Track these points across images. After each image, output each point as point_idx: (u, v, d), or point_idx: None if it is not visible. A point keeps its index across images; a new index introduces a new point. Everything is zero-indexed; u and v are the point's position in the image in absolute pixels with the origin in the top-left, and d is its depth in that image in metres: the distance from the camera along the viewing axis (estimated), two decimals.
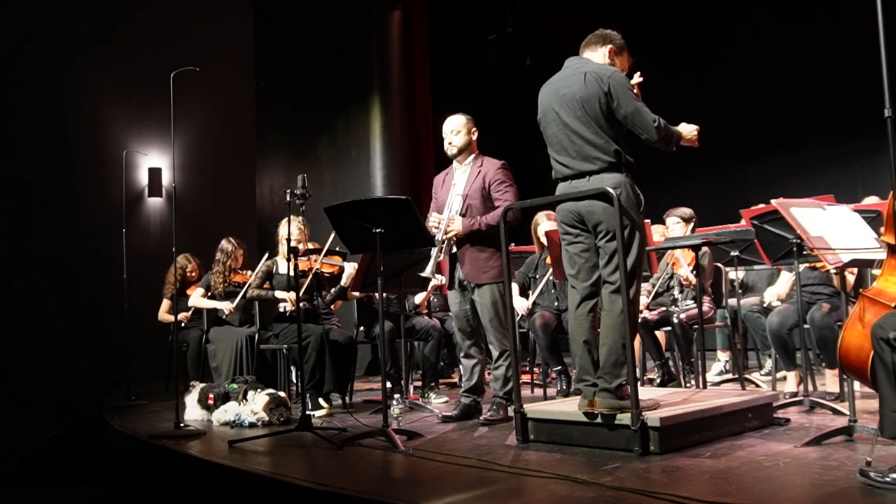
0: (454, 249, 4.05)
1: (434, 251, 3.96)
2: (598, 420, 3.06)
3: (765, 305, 4.96)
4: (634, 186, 3.17)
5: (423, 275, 4.02)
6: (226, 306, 5.44)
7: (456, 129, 4.10)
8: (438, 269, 4.22)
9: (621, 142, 3.16)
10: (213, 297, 5.67)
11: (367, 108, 8.19)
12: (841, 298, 3.46)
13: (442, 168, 4.33)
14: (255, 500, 2.94)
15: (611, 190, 2.99)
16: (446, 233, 3.98)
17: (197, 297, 5.69)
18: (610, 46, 3.32)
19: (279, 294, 4.99)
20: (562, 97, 3.22)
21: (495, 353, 4.01)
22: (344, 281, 5.08)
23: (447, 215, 4.02)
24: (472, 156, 4.12)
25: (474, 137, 4.13)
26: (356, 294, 5.29)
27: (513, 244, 6.25)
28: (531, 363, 5.57)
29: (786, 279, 4.82)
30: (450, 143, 4.11)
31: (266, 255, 5.30)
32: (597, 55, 3.32)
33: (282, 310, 5.02)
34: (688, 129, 3.25)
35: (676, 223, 5.16)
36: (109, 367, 6.46)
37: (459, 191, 4.06)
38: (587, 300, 3.22)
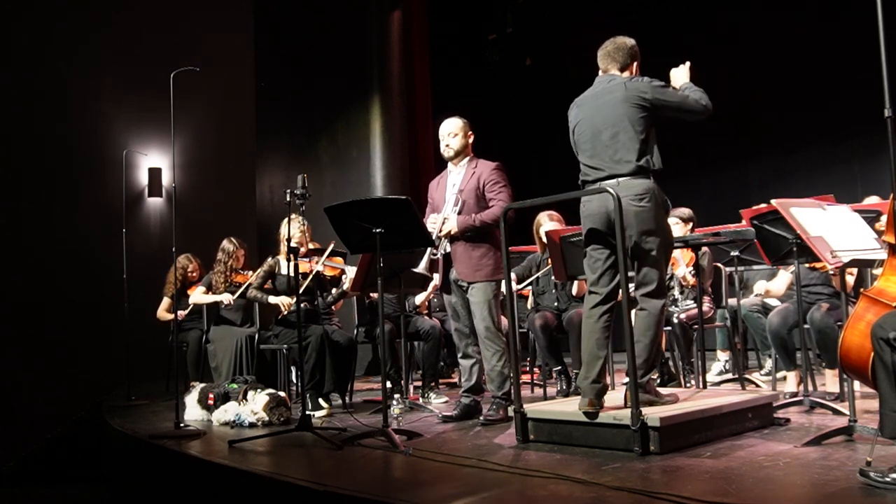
0: (448, 249, 4.05)
1: (428, 248, 3.97)
2: (598, 420, 3.06)
3: (755, 294, 4.95)
4: (661, 192, 3.24)
5: (415, 271, 4.02)
6: (226, 298, 5.44)
7: (453, 132, 4.12)
8: (436, 267, 4.22)
9: (653, 149, 3.24)
10: None
11: (367, 108, 8.18)
12: (841, 298, 3.46)
13: (442, 168, 4.35)
14: (255, 500, 2.94)
15: (611, 190, 3.03)
16: (440, 231, 3.99)
17: (198, 295, 5.69)
18: (636, 63, 3.42)
19: (272, 299, 4.96)
20: (601, 105, 3.31)
21: (487, 354, 3.99)
22: (346, 285, 5.08)
23: (443, 214, 4.03)
24: (467, 158, 4.15)
25: (470, 140, 4.17)
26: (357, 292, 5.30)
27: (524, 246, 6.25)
28: (531, 363, 5.57)
29: (784, 277, 4.82)
30: (447, 146, 4.14)
31: (270, 257, 5.29)
32: (624, 75, 3.38)
33: (279, 316, 5.02)
34: (682, 75, 3.41)
35: (675, 223, 5.15)
36: (109, 367, 6.45)
37: (455, 191, 4.08)
38: (604, 303, 3.28)
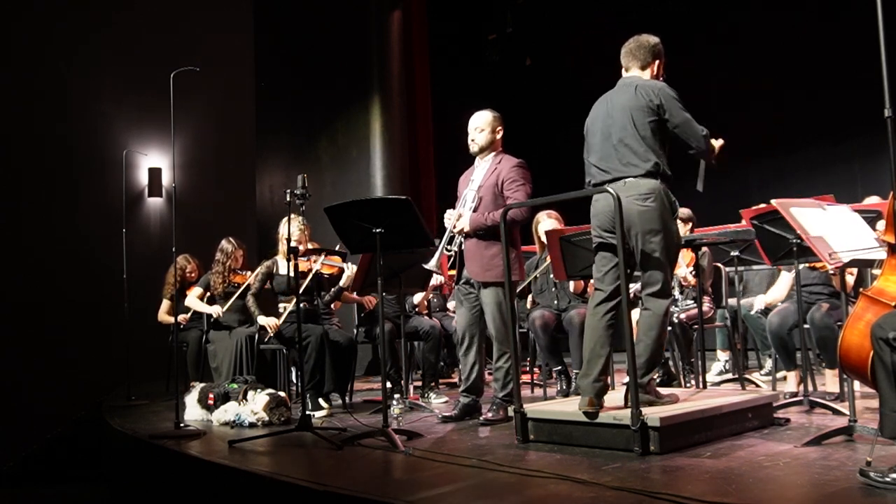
0: (463, 246, 4.04)
1: (441, 244, 3.97)
2: (598, 420, 3.06)
3: (752, 312, 4.94)
4: (669, 194, 3.24)
5: (426, 267, 4.00)
6: (215, 311, 5.43)
7: (480, 127, 4.08)
8: (439, 267, 4.21)
9: (661, 153, 3.24)
10: (211, 298, 5.66)
11: (367, 108, 8.19)
12: (841, 298, 3.46)
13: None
14: (255, 500, 2.94)
15: (611, 190, 3.04)
16: (454, 227, 3.98)
17: (193, 298, 5.69)
18: (659, 62, 3.40)
19: (261, 320, 4.87)
20: (611, 108, 3.32)
21: (496, 354, 4.00)
22: (343, 282, 5.08)
23: (459, 210, 4.03)
24: (493, 153, 4.10)
25: (498, 136, 4.11)
26: (353, 297, 5.28)
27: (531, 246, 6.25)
28: (531, 363, 5.57)
29: (784, 282, 4.82)
30: (472, 140, 4.10)
31: (268, 258, 5.29)
32: (645, 73, 3.38)
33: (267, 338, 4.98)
34: (715, 144, 3.38)
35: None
36: (109, 367, 6.45)
37: (474, 186, 4.05)
38: (607, 301, 3.28)
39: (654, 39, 3.40)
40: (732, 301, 5.15)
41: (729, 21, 8.67)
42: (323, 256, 5.02)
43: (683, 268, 4.84)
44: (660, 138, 3.24)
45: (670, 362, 5.01)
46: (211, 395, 4.43)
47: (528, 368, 5.66)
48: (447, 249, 4.04)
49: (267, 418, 4.11)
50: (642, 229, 3.16)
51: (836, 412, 3.55)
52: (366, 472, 2.96)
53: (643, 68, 3.38)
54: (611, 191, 3.03)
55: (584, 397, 3.15)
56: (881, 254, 2.72)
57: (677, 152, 3.31)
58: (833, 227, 2.97)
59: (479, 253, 3.97)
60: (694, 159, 3.37)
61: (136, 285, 6.09)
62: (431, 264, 3.98)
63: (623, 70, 3.44)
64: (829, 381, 4.31)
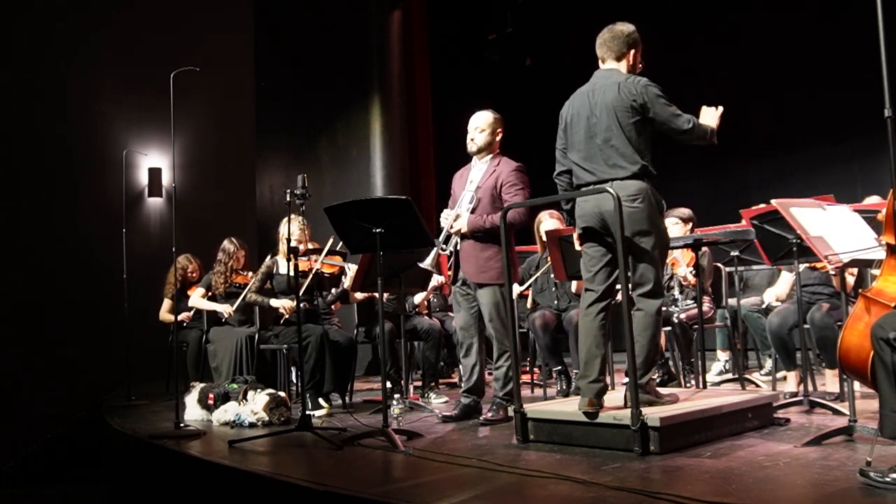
0: (459, 247, 4.04)
1: (437, 243, 3.96)
2: (598, 420, 3.06)
3: (763, 306, 4.96)
4: (655, 193, 3.22)
5: (422, 265, 4.00)
6: (225, 309, 5.44)
7: (480, 127, 4.07)
8: (438, 267, 4.21)
9: (646, 152, 3.22)
10: (213, 298, 5.67)
11: (367, 108, 8.19)
12: (841, 298, 3.46)
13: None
14: (255, 500, 2.94)
15: (611, 190, 3.03)
16: (451, 228, 3.98)
17: (197, 298, 5.69)
18: (634, 51, 3.35)
19: (274, 302, 4.95)
20: (593, 105, 3.26)
21: (496, 354, 4.00)
22: (347, 283, 5.08)
23: (456, 211, 4.02)
24: (491, 155, 4.09)
25: (498, 138, 4.10)
26: (358, 296, 5.28)
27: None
28: (531, 363, 5.57)
29: (786, 280, 4.82)
30: (471, 140, 4.09)
31: (269, 257, 5.30)
32: (621, 65, 3.34)
33: (282, 319, 5.01)
34: (712, 118, 3.31)
35: (675, 223, 5.16)
36: (109, 367, 6.45)
37: (472, 188, 4.05)
38: (599, 302, 3.27)
39: (628, 28, 3.35)
40: (732, 301, 5.15)
41: (729, 21, 8.66)
42: (323, 255, 5.02)
43: (683, 267, 4.84)
44: (645, 137, 3.21)
45: (670, 362, 5.01)
46: (211, 395, 4.43)
47: (528, 368, 5.67)
48: (442, 249, 4.03)
49: (267, 418, 4.11)
50: (632, 230, 3.14)
51: (836, 412, 3.55)
52: (366, 472, 2.96)
53: (618, 59, 3.33)
54: (611, 191, 3.01)
55: (583, 398, 3.14)
56: (881, 254, 2.72)
57: (662, 151, 3.30)
58: (833, 228, 2.97)
59: (475, 255, 3.97)
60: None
61: (136, 285, 6.09)
62: (427, 263, 3.98)
63: (599, 61, 3.38)
64: (829, 381, 4.31)
